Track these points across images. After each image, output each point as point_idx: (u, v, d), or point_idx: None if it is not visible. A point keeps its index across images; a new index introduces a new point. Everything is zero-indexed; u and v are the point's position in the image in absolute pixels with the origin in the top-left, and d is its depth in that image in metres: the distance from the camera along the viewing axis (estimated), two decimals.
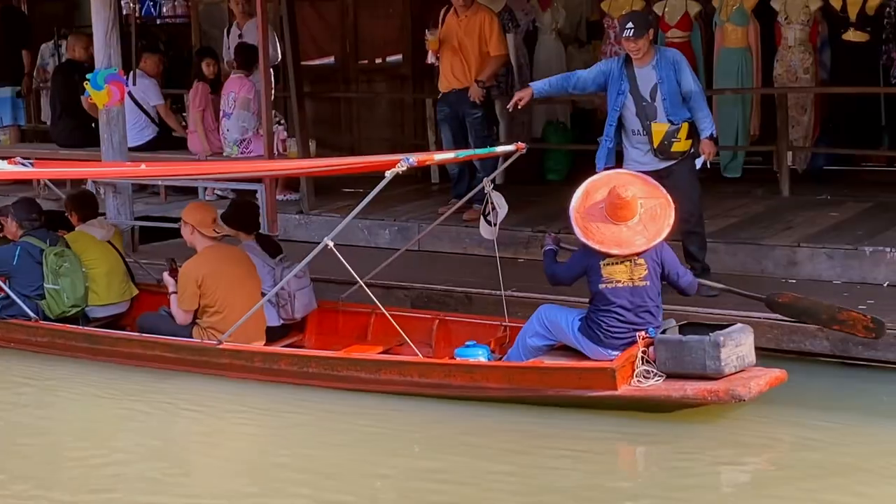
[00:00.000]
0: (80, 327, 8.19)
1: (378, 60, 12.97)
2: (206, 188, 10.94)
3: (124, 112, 10.33)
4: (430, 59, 10.27)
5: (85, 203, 8.77)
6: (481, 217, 7.85)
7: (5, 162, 8.41)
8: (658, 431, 6.58)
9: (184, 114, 12.18)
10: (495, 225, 7.72)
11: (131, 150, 10.54)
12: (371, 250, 9.89)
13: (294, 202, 10.84)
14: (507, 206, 7.70)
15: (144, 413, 7.21)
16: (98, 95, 9.96)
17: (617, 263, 6.84)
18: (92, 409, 7.43)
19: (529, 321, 7.24)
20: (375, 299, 7.38)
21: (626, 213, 6.86)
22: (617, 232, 6.85)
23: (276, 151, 10.24)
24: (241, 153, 10.80)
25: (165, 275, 7.96)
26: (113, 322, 8.53)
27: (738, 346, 6.68)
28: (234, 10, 11.72)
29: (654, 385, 6.66)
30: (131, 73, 10.94)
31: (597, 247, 6.82)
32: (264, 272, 7.87)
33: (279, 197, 10.59)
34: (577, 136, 11.63)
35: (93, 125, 11.18)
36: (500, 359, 7.34)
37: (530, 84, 8.30)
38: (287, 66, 10.69)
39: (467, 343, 7.42)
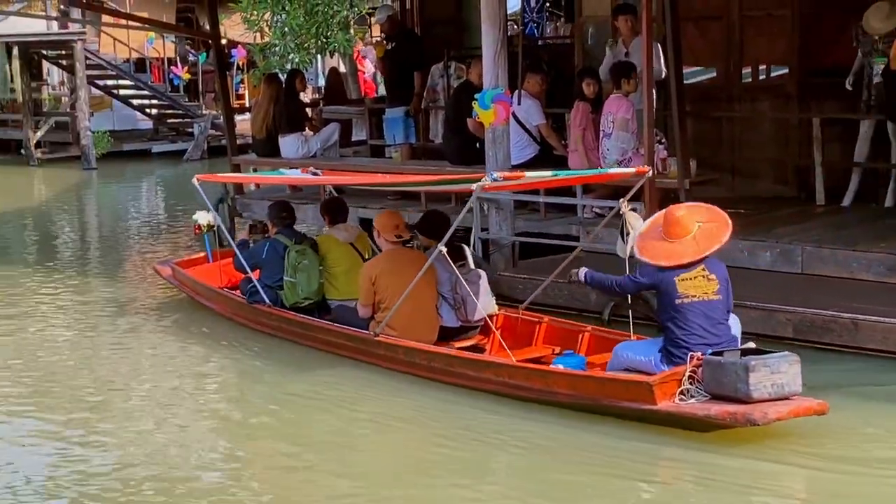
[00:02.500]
0: (295, 314, 9.28)
1: (762, 79, 12.67)
2: (584, 206, 11.05)
3: (509, 131, 10.62)
4: None
5: (335, 209, 9.86)
6: (618, 235, 8.17)
7: (299, 171, 9.90)
8: None
9: (563, 133, 12.36)
10: (626, 244, 8.05)
11: (514, 167, 10.81)
12: (749, 272, 9.67)
13: None
14: (643, 225, 7.84)
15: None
16: (485, 114, 10.27)
17: (691, 279, 7.25)
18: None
19: (610, 363, 7.73)
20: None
21: (678, 231, 7.36)
22: (669, 248, 7.34)
23: (656, 170, 10.18)
24: None
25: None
26: None
27: (774, 373, 6.84)
28: (620, 28, 11.80)
29: (690, 403, 6.94)
30: (516, 93, 11.21)
31: (648, 260, 7.37)
32: (444, 277, 8.52)
33: None
34: None
35: (478, 144, 11.57)
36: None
37: None
38: (669, 84, 10.64)
39: (566, 352, 8.15)
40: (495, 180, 7.76)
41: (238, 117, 16.90)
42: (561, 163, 11.45)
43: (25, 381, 9.11)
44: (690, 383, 7.03)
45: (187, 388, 8.82)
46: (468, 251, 9.12)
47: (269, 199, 13.40)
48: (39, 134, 25.63)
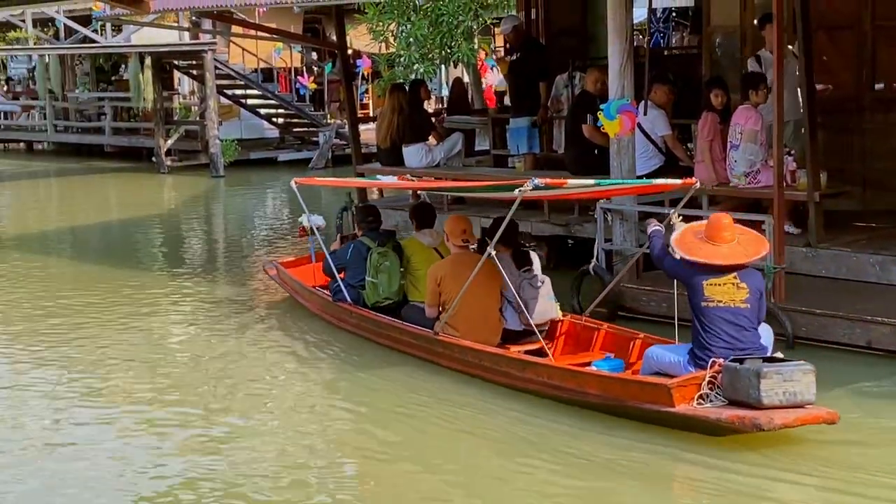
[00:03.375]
0: (372, 313, 9.74)
1: None
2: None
3: (634, 141, 10.56)
4: None
5: (422, 214, 10.23)
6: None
7: (395, 177, 10.59)
8: None
9: (689, 144, 12.23)
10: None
11: (638, 178, 10.74)
12: (881, 287, 9.47)
13: (798, 235, 10.56)
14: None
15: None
16: (610, 125, 10.23)
17: (719, 284, 7.48)
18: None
19: (642, 367, 7.98)
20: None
21: (725, 235, 7.59)
22: (717, 250, 7.55)
23: (784, 182, 10.02)
24: (749, 184, 10.68)
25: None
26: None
27: (787, 381, 7.00)
28: (766, 38, 11.52)
29: (706, 407, 7.15)
30: (642, 104, 11.13)
31: (703, 260, 7.50)
32: (510, 281, 8.75)
33: (788, 229, 10.35)
34: None
35: (595, 152, 11.52)
36: None
37: None
38: (800, 95, 10.45)
39: (607, 356, 8.48)
40: (537, 187, 7.99)
41: (362, 126, 17.09)
42: (687, 174, 11.32)
43: (150, 379, 9.36)
44: (710, 388, 7.24)
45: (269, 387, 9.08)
46: (535, 257, 9.30)
47: (392, 208, 13.58)
48: (170, 142, 26.23)
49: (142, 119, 28.61)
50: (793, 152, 10.76)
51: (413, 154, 13.80)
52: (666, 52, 16.57)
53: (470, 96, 20.91)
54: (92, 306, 12.09)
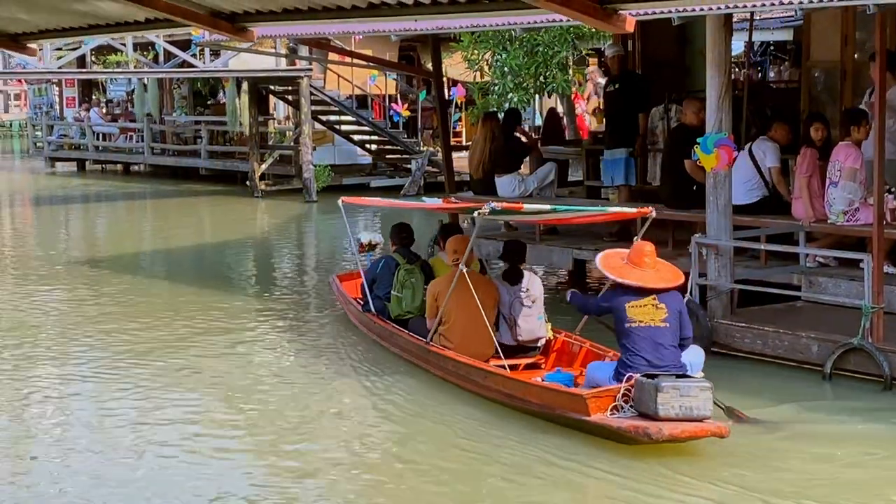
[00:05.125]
0: (385, 322, 10.44)
1: None
2: (807, 255, 10.76)
3: (731, 176, 10.43)
4: None
5: (447, 234, 10.76)
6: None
7: (440, 200, 11.26)
8: None
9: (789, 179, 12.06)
10: None
11: (738, 208, 10.62)
12: None
13: None
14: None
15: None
16: (707, 159, 10.14)
17: (640, 306, 8.11)
18: None
19: (585, 381, 8.60)
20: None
21: (646, 261, 8.27)
22: (640, 273, 8.22)
23: (884, 221, 9.83)
24: (847, 222, 10.49)
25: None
26: None
27: (683, 395, 7.59)
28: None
29: (616, 417, 7.77)
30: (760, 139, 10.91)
31: (627, 282, 8.18)
32: (504, 299, 9.55)
33: (887, 269, 10.14)
34: None
35: (694, 187, 11.40)
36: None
37: None
38: None
39: (557, 369, 9.26)
40: (493, 210, 9.10)
41: (455, 154, 17.12)
42: (786, 209, 11.18)
43: (237, 404, 9.43)
44: (624, 401, 7.86)
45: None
46: (534, 278, 9.85)
47: (484, 238, 13.58)
48: (264, 166, 26.53)
49: (237, 143, 29.02)
50: (893, 190, 10.55)
51: (506, 184, 13.79)
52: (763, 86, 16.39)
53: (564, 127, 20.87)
54: (185, 329, 12.23)
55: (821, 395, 9.27)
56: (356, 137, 28.41)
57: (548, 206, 10.07)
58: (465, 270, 9.21)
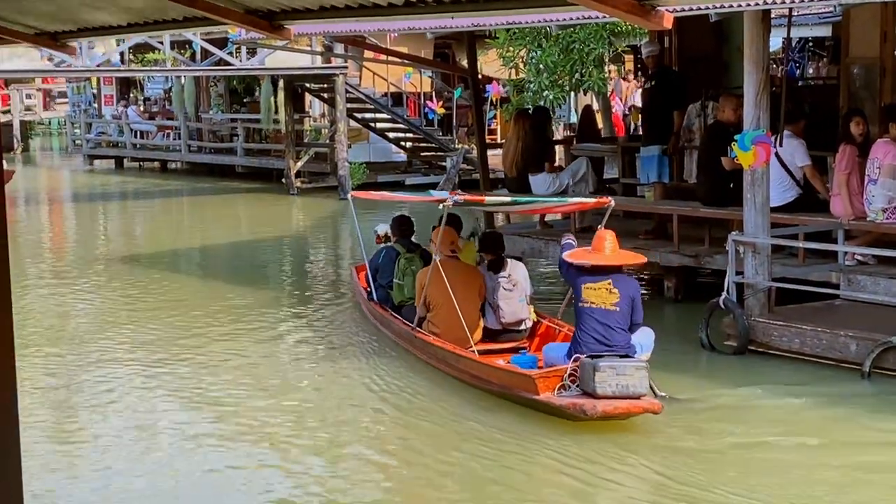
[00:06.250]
0: (384, 310, 10.94)
1: None
2: (846, 253, 10.67)
3: (769, 173, 10.37)
4: None
5: (452, 225, 10.74)
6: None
7: (447, 192, 11.05)
8: None
9: (824, 176, 11.96)
10: None
11: (773, 209, 10.55)
12: None
13: None
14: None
15: None
16: (744, 156, 10.07)
17: (594, 288, 8.58)
18: None
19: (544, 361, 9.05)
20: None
21: (601, 245, 8.75)
22: (593, 255, 8.76)
23: None
24: (887, 219, 10.40)
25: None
26: None
27: (620, 375, 8.07)
28: None
29: (562, 396, 8.25)
30: (779, 135, 10.93)
31: (572, 261, 8.79)
32: (489, 285, 10.01)
33: None
34: None
35: (731, 185, 11.33)
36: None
37: None
38: None
39: (522, 351, 9.77)
40: (456, 202, 9.75)
41: (490, 152, 17.10)
42: (823, 207, 11.10)
43: (274, 405, 9.46)
44: (571, 381, 8.31)
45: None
46: (518, 265, 10.26)
47: (519, 234, 13.56)
48: (300, 164, 26.59)
49: (272, 141, 29.10)
50: None
51: (540, 182, 13.78)
52: (801, 82, 16.26)
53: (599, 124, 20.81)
54: (219, 325, 12.28)
55: (860, 392, 9.18)
56: (391, 135, 28.43)
57: (508, 199, 11.02)
58: (437, 259, 9.81)
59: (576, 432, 8.16)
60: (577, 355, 8.39)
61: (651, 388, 8.56)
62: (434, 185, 25.52)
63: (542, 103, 21.04)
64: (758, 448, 7.97)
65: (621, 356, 8.33)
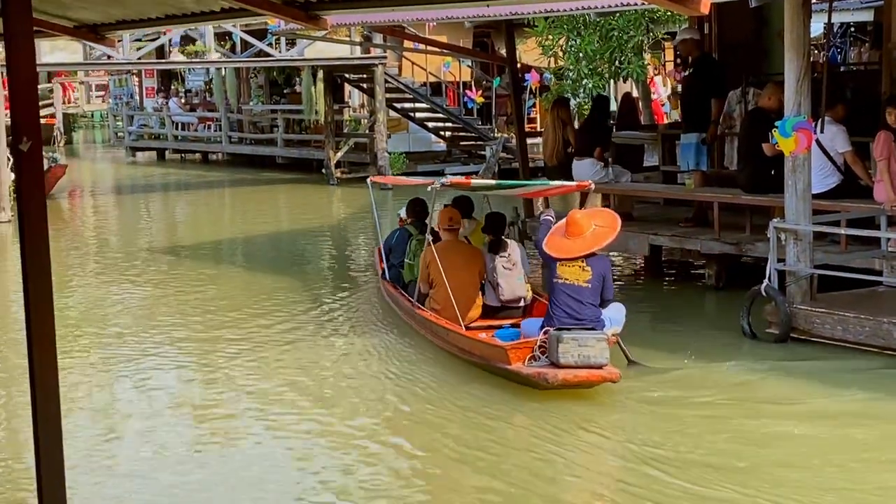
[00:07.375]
0: (395, 288, 11.44)
1: None
2: (888, 239, 10.58)
3: (810, 159, 10.29)
4: None
5: (459, 208, 11.25)
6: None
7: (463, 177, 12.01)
8: None
9: (866, 162, 11.86)
10: None
11: (814, 196, 10.47)
12: None
13: None
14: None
15: None
16: (785, 142, 10.00)
17: (568, 266, 9.12)
18: None
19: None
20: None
21: (574, 230, 9.25)
22: (565, 243, 9.20)
23: None
24: None
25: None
26: None
27: (581, 346, 8.62)
28: None
29: (527, 366, 8.77)
30: (819, 121, 10.85)
31: (547, 251, 9.26)
32: (489, 264, 10.36)
33: None
34: None
35: (772, 172, 11.26)
36: None
37: None
38: None
39: (506, 325, 10.04)
40: (443, 184, 10.34)
41: (529, 140, 17.10)
42: (867, 193, 11.00)
43: (312, 395, 9.51)
44: (541, 352, 8.81)
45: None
46: (516, 245, 10.64)
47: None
48: (340, 154, 26.66)
49: (312, 131, 29.18)
50: None
51: (585, 168, 13.74)
52: (842, 68, 16.12)
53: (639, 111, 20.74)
54: (260, 315, 12.35)
55: None
56: (430, 125, 28.45)
57: (493, 182, 11.92)
58: (429, 239, 10.42)
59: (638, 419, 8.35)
60: (548, 328, 8.90)
61: (625, 355, 9.38)
62: (474, 174, 25.55)
63: (581, 92, 20.98)
64: (798, 440, 7.93)
65: (588, 329, 8.83)
